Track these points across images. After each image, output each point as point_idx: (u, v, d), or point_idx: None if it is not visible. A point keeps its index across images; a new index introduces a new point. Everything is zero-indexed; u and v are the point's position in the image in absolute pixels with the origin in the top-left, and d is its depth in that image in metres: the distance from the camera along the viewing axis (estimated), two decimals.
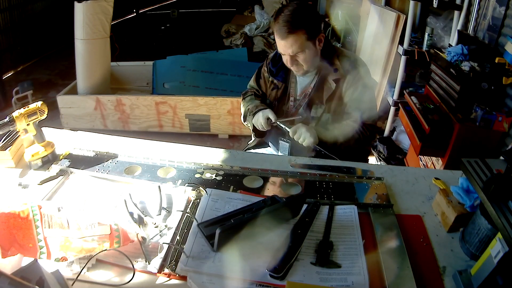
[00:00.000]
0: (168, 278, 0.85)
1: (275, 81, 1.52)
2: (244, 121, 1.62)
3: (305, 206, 1.05)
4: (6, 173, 1.17)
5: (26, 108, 1.16)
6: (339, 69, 1.39)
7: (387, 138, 2.96)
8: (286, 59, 1.38)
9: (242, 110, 1.62)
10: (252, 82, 1.65)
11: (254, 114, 1.49)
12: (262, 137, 1.66)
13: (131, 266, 0.84)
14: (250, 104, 1.55)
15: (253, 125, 1.51)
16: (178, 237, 0.93)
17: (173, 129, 3.23)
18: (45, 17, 5.05)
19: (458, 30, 2.45)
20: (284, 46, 1.32)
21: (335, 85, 1.39)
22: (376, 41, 3.20)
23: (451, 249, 0.96)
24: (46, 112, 1.20)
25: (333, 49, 1.43)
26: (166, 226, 0.98)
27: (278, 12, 1.31)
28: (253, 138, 1.78)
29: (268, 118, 1.44)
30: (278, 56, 1.47)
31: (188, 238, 0.92)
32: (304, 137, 1.34)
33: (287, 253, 0.88)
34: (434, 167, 2.24)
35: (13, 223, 0.85)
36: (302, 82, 1.50)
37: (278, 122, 1.42)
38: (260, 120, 1.45)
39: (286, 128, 1.39)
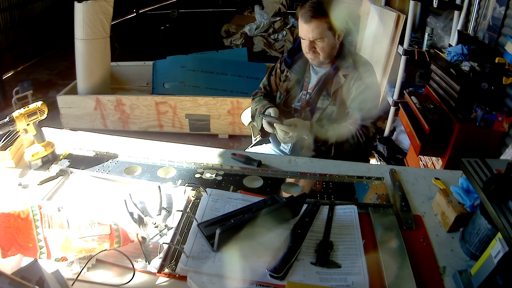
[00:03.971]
0: (168, 278, 0.85)
1: (288, 73, 1.53)
2: (253, 120, 1.63)
3: (305, 206, 1.05)
4: (6, 173, 1.18)
5: (26, 108, 1.16)
6: (350, 66, 1.43)
7: (387, 138, 2.96)
8: (305, 45, 1.40)
9: (251, 110, 1.64)
10: (264, 79, 1.68)
11: (263, 113, 1.47)
12: (267, 137, 1.69)
13: (131, 266, 0.84)
14: (259, 104, 1.57)
15: (261, 125, 1.51)
16: (178, 237, 0.93)
17: (173, 129, 3.22)
18: (45, 17, 5.05)
19: (458, 30, 2.44)
20: (306, 30, 1.35)
21: (344, 80, 1.42)
22: (376, 41, 3.20)
23: (451, 249, 0.96)
24: (46, 112, 1.20)
25: (348, 49, 1.48)
26: (166, 226, 0.98)
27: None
28: (253, 141, 1.77)
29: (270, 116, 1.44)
30: (295, 48, 1.50)
31: (188, 238, 0.92)
32: (290, 136, 1.34)
33: (287, 253, 0.88)
34: (434, 167, 2.24)
35: (13, 223, 0.86)
36: (316, 76, 1.51)
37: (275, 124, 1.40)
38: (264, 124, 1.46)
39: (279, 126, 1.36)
